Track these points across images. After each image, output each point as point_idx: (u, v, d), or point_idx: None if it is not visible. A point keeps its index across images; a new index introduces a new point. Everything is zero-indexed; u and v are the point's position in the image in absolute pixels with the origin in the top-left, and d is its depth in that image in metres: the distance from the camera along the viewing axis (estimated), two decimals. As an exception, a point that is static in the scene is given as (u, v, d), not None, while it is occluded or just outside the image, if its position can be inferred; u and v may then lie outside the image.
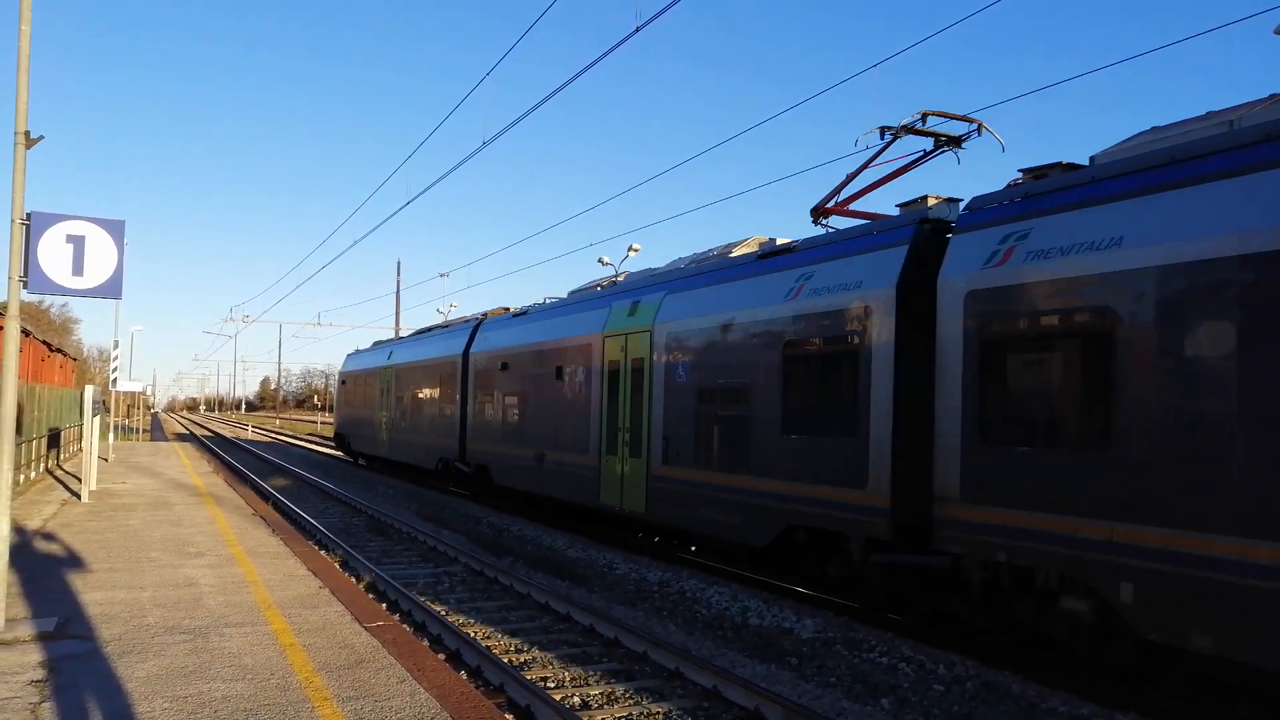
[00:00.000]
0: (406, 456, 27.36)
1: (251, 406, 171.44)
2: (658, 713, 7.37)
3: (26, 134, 7.60)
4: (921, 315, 9.39)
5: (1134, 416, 7.20)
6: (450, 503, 22.25)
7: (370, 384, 31.98)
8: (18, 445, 17.27)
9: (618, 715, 7.29)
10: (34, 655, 6.87)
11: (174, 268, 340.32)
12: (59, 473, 24.97)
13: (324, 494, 24.28)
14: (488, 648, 8.88)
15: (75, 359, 57.87)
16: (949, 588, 9.30)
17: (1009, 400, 8.39)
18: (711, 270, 13.56)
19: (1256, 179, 6.68)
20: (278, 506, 20.15)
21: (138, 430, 55.41)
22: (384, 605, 10.44)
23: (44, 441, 23.88)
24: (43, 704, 5.79)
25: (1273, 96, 7.47)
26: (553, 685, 8.05)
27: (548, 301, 20.41)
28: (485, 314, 24.20)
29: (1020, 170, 9.39)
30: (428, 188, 22.59)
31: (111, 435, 36.10)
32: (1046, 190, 8.45)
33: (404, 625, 8.87)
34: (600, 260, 29.91)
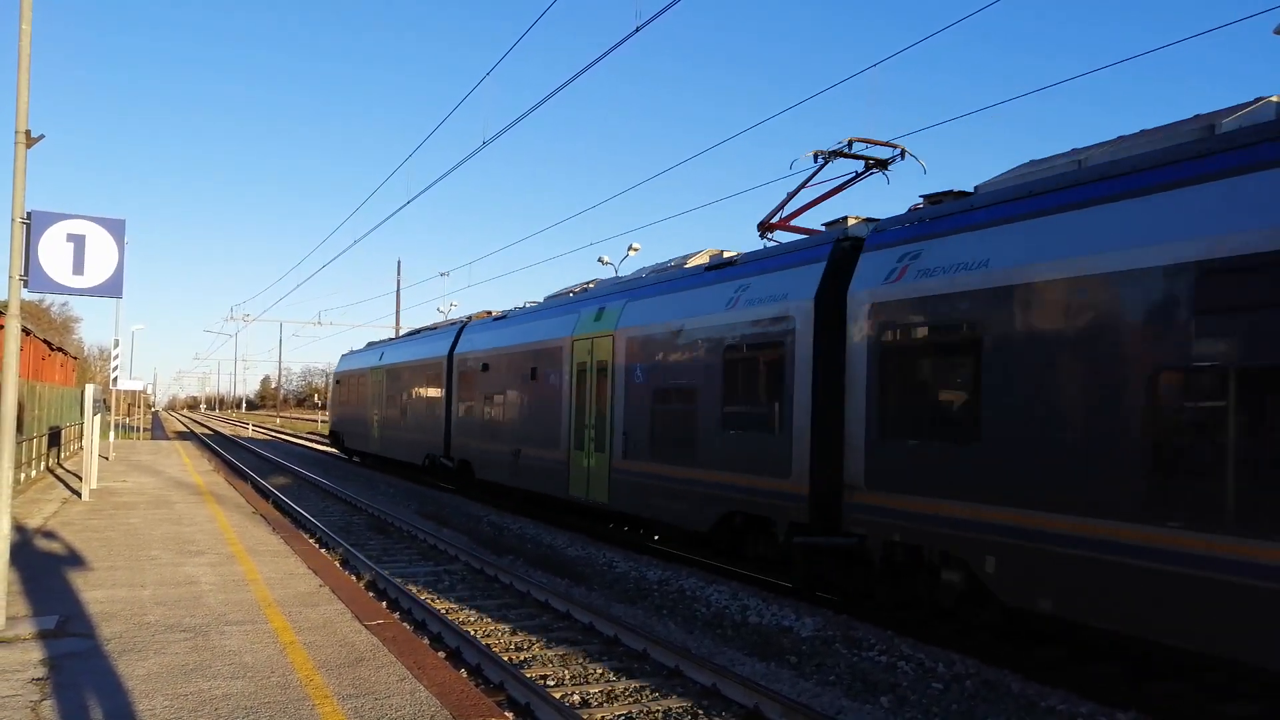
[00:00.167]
0: (396, 453, 28.47)
1: (252, 405, 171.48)
2: (657, 711, 7.38)
3: (27, 133, 7.61)
4: (836, 324, 10.43)
5: (996, 415, 8.37)
6: (450, 501, 22.26)
7: (363, 383, 33.13)
8: (18, 443, 17.28)
9: (618, 713, 7.30)
10: (35, 653, 6.89)
11: (174, 267, 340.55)
12: (59, 471, 24.99)
13: (324, 492, 24.29)
14: (488, 646, 8.89)
15: (76, 358, 57.92)
16: (857, 565, 10.36)
17: (901, 400, 9.57)
18: (666, 280, 14.72)
19: (1085, 213, 7.87)
20: (278, 505, 20.16)
21: (138, 429, 55.44)
22: (384, 603, 10.46)
23: (45, 440, 23.90)
24: (43, 702, 5.81)
25: (1172, 125, 8.16)
26: (553, 683, 8.06)
27: (527, 306, 21.38)
28: (470, 317, 25.30)
29: (921, 196, 10.43)
30: (428, 187, 22.65)
31: (112, 434, 36.12)
32: (935, 216, 9.61)
33: (404, 623, 8.88)
34: (600, 260, 29.91)
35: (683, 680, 8.09)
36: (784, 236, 13.21)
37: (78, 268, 7.93)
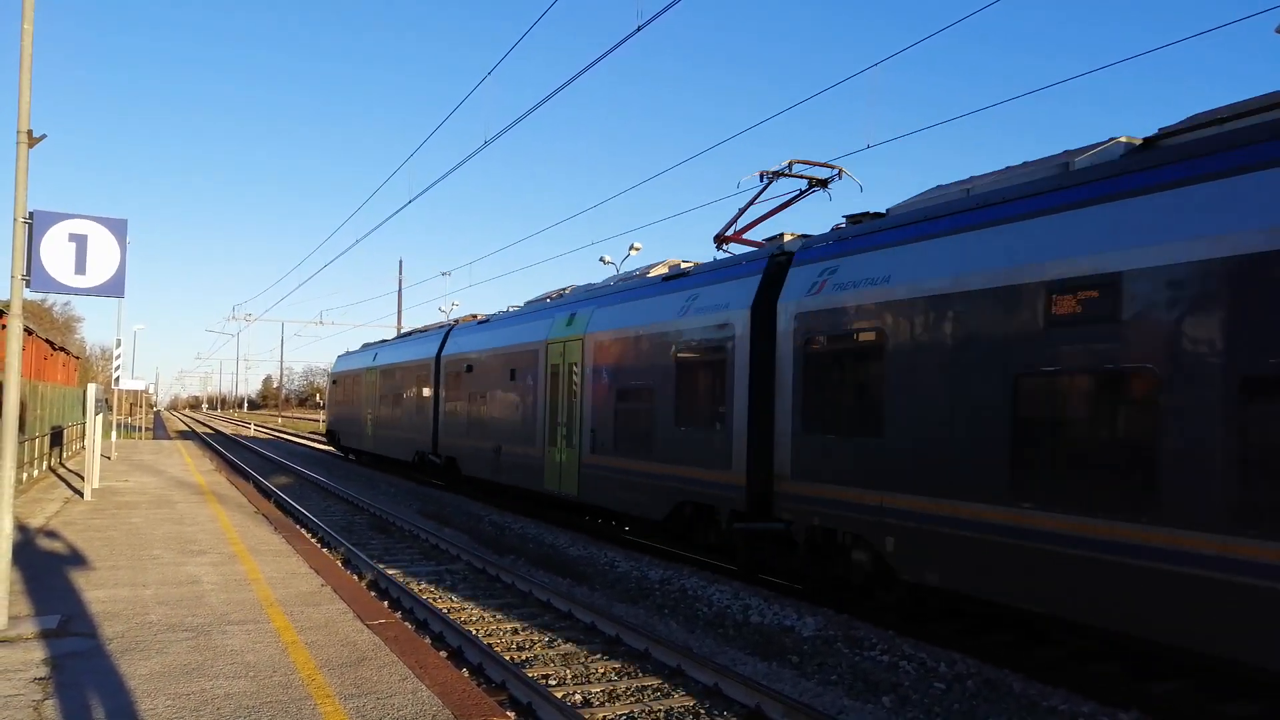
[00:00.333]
0: (388, 450, 29.75)
1: (254, 405, 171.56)
2: (659, 710, 7.38)
3: (29, 133, 7.62)
4: (770, 332, 11.49)
5: (894, 413, 9.51)
6: (452, 501, 22.28)
7: (357, 384, 34.43)
8: (20, 443, 17.30)
9: (619, 713, 7.30)
10: (37, 653, 6.90)
11: (176, 266, 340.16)
12: (61, 471, 25.01)
13: (326, 492, 24.31)
14: (489, 645, 8.90)
15: (78, 357, 57.97)
16: (788, 548, 11.44)
17: (820, 400, 10.68)
18: (629, 289, 15.94)
19: (960, 237, 9.01)
20: (280, 504, 20.18)
21: (140, 428, 55.49)
22: (386, 603, 10.47)
23: (47, 440, 23.92)
24: (46, 701, 5.81)
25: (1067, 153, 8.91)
26: (554, 683, 8.06)
27: (510, 310, 22.48)
28: (457, 320, 26.83)
29: (844, 216, 11.53)
30: (429, 187, 22.66)
31: (114, 433, 36.14)
32: (849, 235, 10.76)
33: (406, 623, 8.89)
34: (602, 259, 29.91)
35: (685, 680, 8.09)
36: (738, 248, 14.24)
37: (80, 267, 7.94)
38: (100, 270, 8.01)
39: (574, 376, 16.71)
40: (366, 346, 36.23)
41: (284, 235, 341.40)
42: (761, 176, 13.82)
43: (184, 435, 59.30)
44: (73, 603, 8.58)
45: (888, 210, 10.82)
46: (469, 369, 22.40)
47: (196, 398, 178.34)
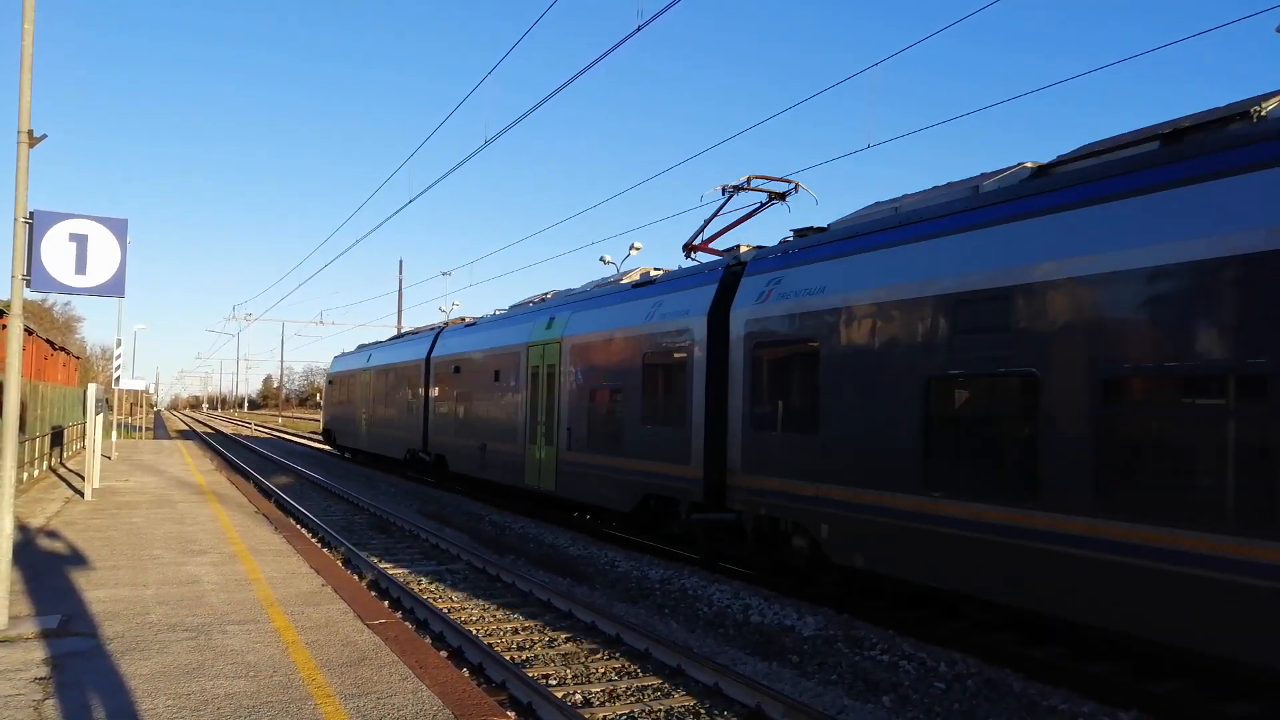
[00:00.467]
0: (382, 449, 30.76)
1: (254, 405, 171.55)
2: (660, 710, 7.38)
3: (29, 133, 7.62)
4: (724, 337, 12.40)
5: (829, 410, 10.35)
6: (452, 501, 22.29)
7: (352, 384, 35.50)
8: (21, 443, 17.30)
9: (619, 713, 7.30)
10: (37, 652, 6.90)
11: (176, 266, 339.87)
12: (62, 470, 25.02)
13: (326, 491, 24.32)
14: (490, 645, 8.90)
15: (78, 357, 57.98)
16: (739, 536, 12.28)
17: (766, 399, 11.56)
18: (603, 295, 16.79)
19: (882, 253, 9.94)
20: (280, 504, 20.19)
21: (140, 428, 55.49)
22: (386, 603, 10.47)
23: (47, 439, 23.93)
24: (46, 701, 5.82)
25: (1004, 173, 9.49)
26: (555, 683, 8.06)
27: (496, 313, 23.50)
28: (447, 323, 27.98)
29: (791, 230, 12.33)
30: (429, 186, 22.67)
31: (114, 433, 36.15)
32: (793, 249, 11.64)
33: (406, 623, 8.89)
34: (602, 259, 29.84)
35: (685, 679, 8.09)
36: (705, 257, 15.08)
37: (80, 267, 7.94)
38: (100, 270, 8.01)
39: (552, 377, 17.52)
40: (362, 348, 37.04)
41: (284, 235, 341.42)
42: (723, 191, 14.85)
43: (184, 435, 59.31)
44: (73, 602, 8.58)
45: (829, 225, 11.70)
46: (457, 370, 23.28)
47: (197, 398, 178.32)
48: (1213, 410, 6.70)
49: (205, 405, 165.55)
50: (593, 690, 7.85)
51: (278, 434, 65.67)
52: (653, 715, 7.30)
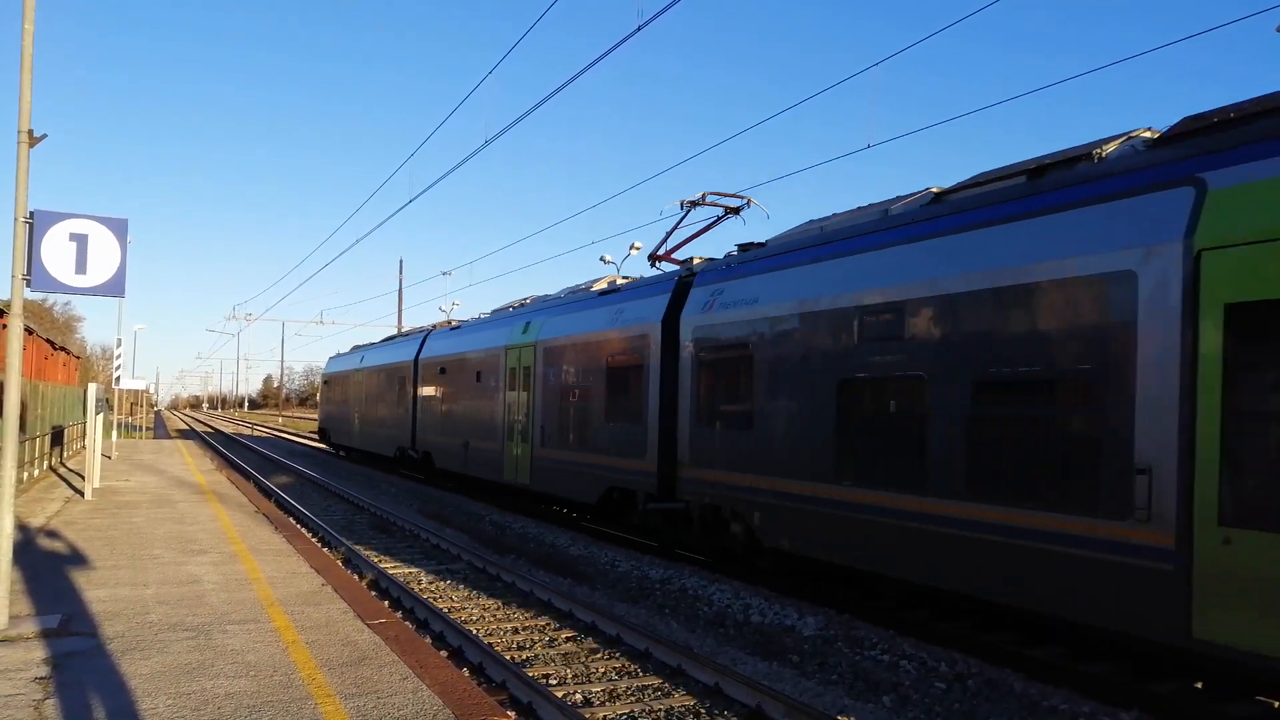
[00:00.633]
0: (373, 446, 31.92)
1: (254, 404, 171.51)
2: (660, 710, 7.38)
3: (30, 132, 7.61)
4: (675, 342, 13.60)
5: (760, 409, 11.47)
6: (452, 500, 22.29)
7: (346, 384, 36.61)
8: (21, 443, 17.30)
9: (620, 712, 7.30)
10: (38, 652, 6.90)
11: (176, 266, 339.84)
12: (62, 470, 25.02)
13: (326, 491, 24.31)
14: (490, 645, 8.90)
15: (78, 357, 57.98)
16: (688, 524, 13.41)
17: (709, 399, 12.72)
18: (573, 301, 17.99)
19: (802, 269, 11.08)
20: (280, 504, 20.18)
21: (140, 428, 55.49)
22: (386, 602, 10.47)
23: (47, 439, 23.92)
24: (46, 700, 5.82)
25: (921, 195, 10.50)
26: (555, 682, 8.06)
27: (480, 317, 24.80)
28: (434, 325, 29.08)
29: (736, 245, 13.59)
30: (430, 186, 22.69)
31: (114, 433, 36.14)
32: (735, 263, 12.83)
33: (406, 622, 8.89)
34: (602, 259, 29.85)
35: (685, 679, 8.09)
36: (669, 267, 16.24)
37: (80, 267, 7.93)
38: (101, 270, 8.01)
39: (528, 379, 18.68)
40: (355, 349, 38.12)
41: (284, 235, 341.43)
42: (682, 205, 16.12)
43: (184, 435, 59.30)
44: (73, 602, 8.58)
45: (766, 242, 12.82)
46: (442, 371, 24.44)
47: (197, 397, 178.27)
48: (1049, 407, 7.90)
49: (205, 405, 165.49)
50: (593, 690, 7.85)
51: (278, 434, 65.66)
52: (653, 715, 7.30)
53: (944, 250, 9.04)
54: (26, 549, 11.33)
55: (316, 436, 52.43)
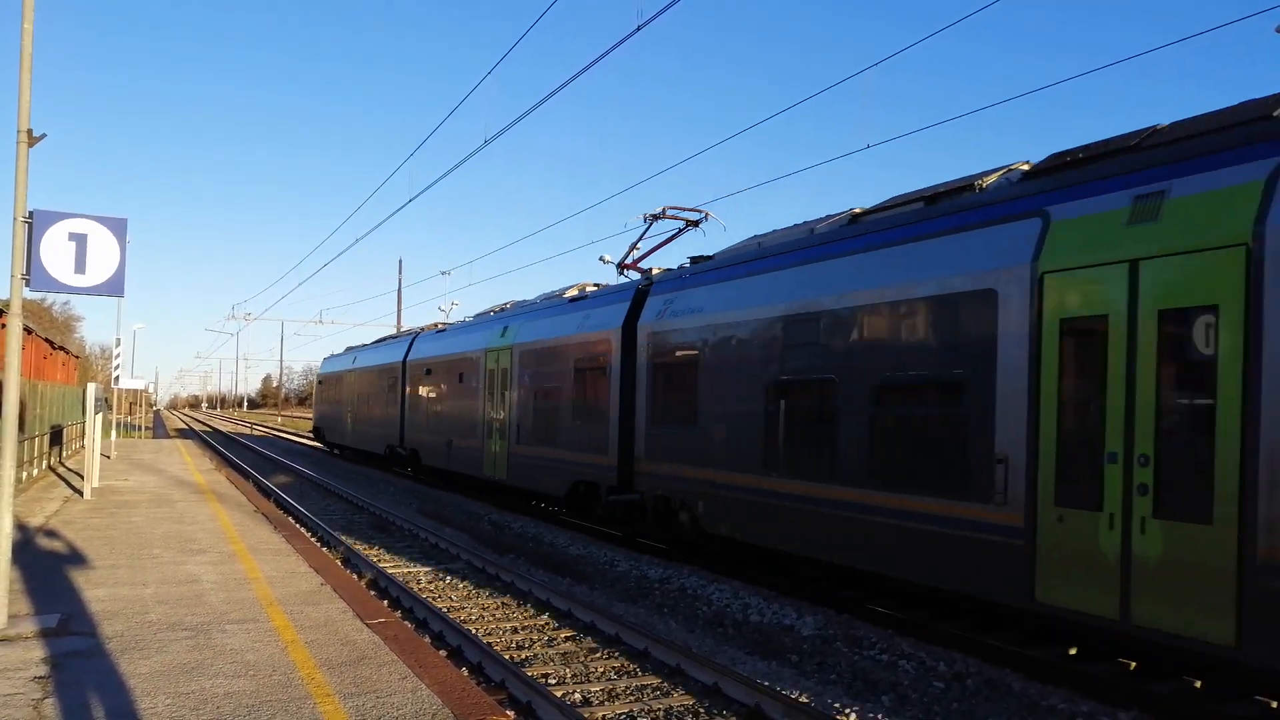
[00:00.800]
0: (364, 444, 33.17)
1: (254, 404, 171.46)
2: (659, 709, 7.38)
3: (29, 132, 7.61)
4: (633, 346, 14.73)
5: (703, 408, 12.62)
6: (451, 500, 22.30)
7: (339, 384, 37.78)
8: (20, 442, 17.29)
9: (619, 712, 7.30)
10: (37, 651, 6.90)
11: (176, 266, 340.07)
12: (61, 470, 25.01)
13: (326, 491, 24.31)
14: (489, 644, 8.89)
15: (77, 357, 57.91)
16: (643, 514, 14.46)
17: (662, 399, 13.80)
18: (549, 306, 19.13)
19: (740, 281, 12.18)
20: (279, 503, 20.18)
21: (140, 427, 55.46)
22: (385, 602, 10.47)
23: (46, 439, 23.91)
24: (45, 700, 5.81)
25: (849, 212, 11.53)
26: (554, 682, 8.06)
27: (465, 320, 25.98)
28: (423, 328, 30.27)
29: (689, 256, 14.84)
30: (429, 186, 22.68)
31: (113, 432, 36.13)
32: (686, 273, 14.04)
33: (405, 622, 8.89)
34: (601, 259, 29.89)
35: (684, 679, 8.09)
36: (635, 275, 17.41)
37: (79, 267, 7.93)
38: (100, 269, 8.00)
39: (505, 380, 19.76)
40: (349, 350, 39.28)
41: (284, 235, 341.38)
42: (644, 218, 17.43)
43: (183, 434, 59.28)
44: (72, 602, 8.58)
45: (715, 255, 13.93)
46: (428, 372, 25.52)
47: (196, 397, 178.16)
48: (931, 406, 9.03)
49: (204, 404, 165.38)
50: (592, 689, 7.85)
51: (277, 433, 65.63)
52: (652, 714, 7.30)
53: (851, 267, 10.18)
54: (25, 548, 11.33)
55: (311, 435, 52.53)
